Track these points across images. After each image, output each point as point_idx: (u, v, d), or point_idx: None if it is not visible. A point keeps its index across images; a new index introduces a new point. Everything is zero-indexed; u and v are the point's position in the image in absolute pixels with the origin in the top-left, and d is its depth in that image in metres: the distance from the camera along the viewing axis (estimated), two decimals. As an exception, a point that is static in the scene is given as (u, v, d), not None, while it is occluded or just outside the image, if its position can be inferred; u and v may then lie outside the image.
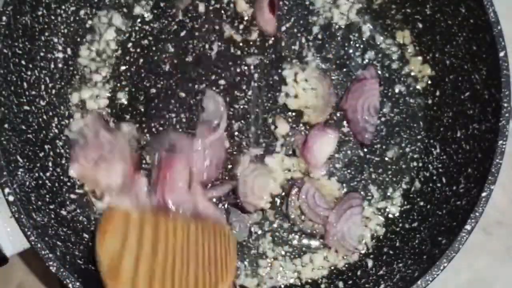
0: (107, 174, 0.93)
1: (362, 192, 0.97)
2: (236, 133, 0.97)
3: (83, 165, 0.94)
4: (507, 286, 1.03)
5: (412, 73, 0.99)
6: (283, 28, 0.99)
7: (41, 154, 0.91)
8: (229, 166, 0.97)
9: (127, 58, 0.99)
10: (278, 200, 0.97)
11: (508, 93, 0.84)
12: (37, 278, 1.01)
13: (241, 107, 0.98)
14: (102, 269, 0.80)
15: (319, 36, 0.99)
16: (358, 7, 1.00)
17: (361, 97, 0.96)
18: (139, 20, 1.00)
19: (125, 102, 0.98)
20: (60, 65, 0.96)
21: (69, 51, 0.97)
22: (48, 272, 0.82)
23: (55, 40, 0.95)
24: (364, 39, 0.99)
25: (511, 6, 0.99)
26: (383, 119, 0.98)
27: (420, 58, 0.99)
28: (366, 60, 0.99)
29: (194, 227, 0.89)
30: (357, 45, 0.99)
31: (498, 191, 0.85)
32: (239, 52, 0.99)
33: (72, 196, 0.94)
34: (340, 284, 0.94)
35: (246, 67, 0.98)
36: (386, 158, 0.98)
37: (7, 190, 0.81)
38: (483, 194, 0.83)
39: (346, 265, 0.96)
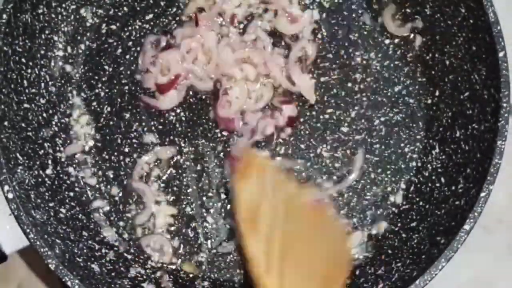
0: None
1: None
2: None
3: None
4: (508, 284, 1.03)
5: (412, 73, 0.99)
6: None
7: (41, 152, 0.91)
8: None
9: (127, 57, 0.99)
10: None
11: (507, 93, 0.84)
12: (37, 276, 1.01)
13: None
14: (240, 217, 0.80)
15: (319, 36, 0.99)
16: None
17: None
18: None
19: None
20: (60, 63, 0.96)
21: (69, 49, 0.97)
22: (48, 270, 0.82)
23: (56, 38, 0.95)
24: (364, 38, 0.99)
25: (511, 6, 0.99)
26: (382, 119, 0.98)
27: (419, 57, 0.99)
28: (366, 60, 0.99)
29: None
30: (357, 44, 0.99)
31: (499, 189, 0.85)
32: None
33: (72, 194, 0.94)
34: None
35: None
36: (385, 158, 0.98)
37: (6, 188, 0.82)
38: (482, 194, 0.83)
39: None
